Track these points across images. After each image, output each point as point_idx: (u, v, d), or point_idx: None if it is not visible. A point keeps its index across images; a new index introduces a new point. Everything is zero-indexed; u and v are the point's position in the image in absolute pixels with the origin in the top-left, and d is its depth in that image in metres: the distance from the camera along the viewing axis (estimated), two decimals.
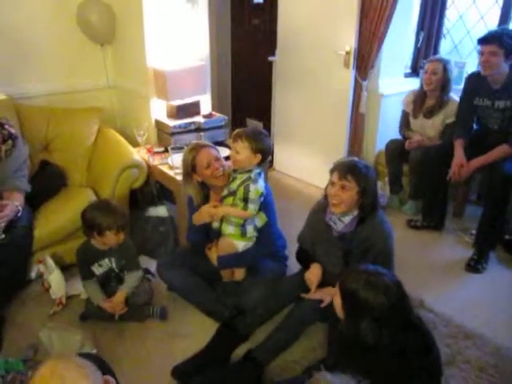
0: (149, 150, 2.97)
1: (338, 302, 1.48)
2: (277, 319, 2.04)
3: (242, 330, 2.07)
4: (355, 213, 1.95)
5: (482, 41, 2.56)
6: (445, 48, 3.88)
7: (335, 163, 2.01)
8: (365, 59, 3.23)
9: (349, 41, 3.16)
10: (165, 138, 3.02)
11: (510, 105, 2.66)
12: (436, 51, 3.85)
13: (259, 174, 2.11)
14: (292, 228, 2.37)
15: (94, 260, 2.17)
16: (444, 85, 2.98)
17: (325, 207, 2.06)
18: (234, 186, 2.11)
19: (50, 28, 3.02)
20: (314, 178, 3.73)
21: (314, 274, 2.03)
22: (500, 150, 2.67)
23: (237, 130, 2.09)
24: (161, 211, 2.85)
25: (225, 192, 2.16)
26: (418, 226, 3.08)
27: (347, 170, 1.88)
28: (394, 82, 3.54)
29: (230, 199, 2.13)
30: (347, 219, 1.97)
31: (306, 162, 3.79)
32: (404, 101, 3.25)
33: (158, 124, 3.06)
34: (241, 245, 2.16)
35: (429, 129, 3.12)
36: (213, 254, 2.23)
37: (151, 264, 2.60)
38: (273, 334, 1.96)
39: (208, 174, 2.13)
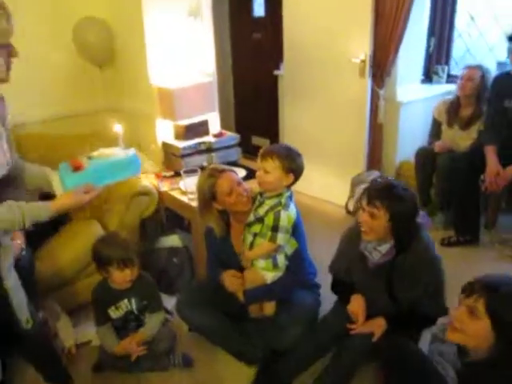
0: (157, 175, 2.74)
1: (480, 330, 1.22)
2: (322, 361, 1.79)
3: (284, 376, 1.81)
4: (393, 241, 1.72)
5: None
6: (457, 52, 3.72)
7: (370, 183, 1.79)
8: (381, 66, 3.05)
9: (363, 48, 2.98)
10: (173, 161, 2.79)
11: None
12: (448, 56, 3.70)
13: (290, 197, 1.87)
14: (312, 250, 2.13)
15: (111, 302, 1.91)
16: (480, 93, 2.81)
17: (358, 234, 1.82)
18: (261, 211, 1.86)
19: (47, 54, 2.81)
20: (330, 194, 3.51)
21: (357, 305, 1.79)
22: None
23: (265, 148, 1.85)
24: (174, 241, 2.60)
25: (251, 218, 1.91)
26: (452, 242, 2.84)
27: (376, 194, 1.65)
28: (412, 89, 3.36)
29: (257, 227, 1.87)
30: (384, 248, 1.74)
31: (320, 178, 3.56)
32: (436, 109, 3.07)
33: (166, 146, 2.83)
34: (270, 276, 1.91)
35: (463, 140, 2.92)
36: (238, 287, 1.98)
37: (168, 301, 2.35)
38: (321, 378, 1.70)
39: (231, 201, 1.90)
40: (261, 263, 1.88)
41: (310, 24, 3.25)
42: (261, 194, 1.91)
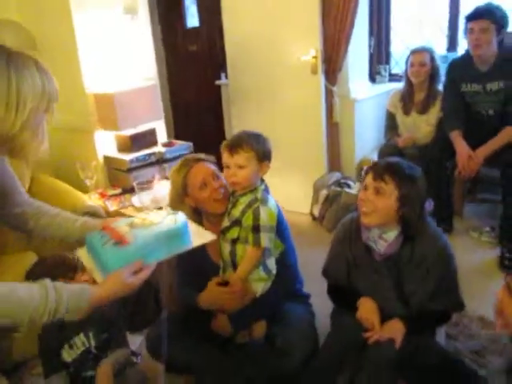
0: (102, 195, 2.35)
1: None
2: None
3: None
4: (400, 228, 1.51)
5: (472, 17, 2.35)
6: (397, 52, 3.74)
7: (371, 164, 1.57)
8: (332, 61, 2.93)
9: (314, 43, 2.84)
10: (119, 176, 2.43)
11: (504, 85, 2.45)
12: (388, 56, 3.70)
13: (266, 190, 1.60)
14: None
15: (63, 341, 1.49)
16: (433, 75, 2.75)
17: (357, 225, 1.60)
18: (236, 213, 1.56)
19: None
20: (293, 203, 3.27)
21: (369, 309, 1.53)
22: (506, 134, 2.43)
23: (229, 141, 1.56)
24: None
25: (225, 223, 1.61)
26: None
27: (386, 168, 1.45)
28: (363, 87, 3.28)
29: (234, 231, 1.57)
30: (391, 236, 1.51)
31: (281, 188, 3.31)
32: (389, 101, 2.97)
33: (109, 161, 2.47)
34: (260, 287, 1.59)
35: (423, 125, 2.84)
36: (221, 321, 1.65)
37: (131, 341, 1.93)
38: None
39: (204, 196, 1.60)
40: (253, 275, 1.57)
41: (252, 28, 3.08)
42: (232, 193, 1.62)
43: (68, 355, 1.50)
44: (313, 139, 3.05)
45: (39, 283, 1.01)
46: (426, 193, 1.52)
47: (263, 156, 1.54)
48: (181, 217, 1.25)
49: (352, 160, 3.24)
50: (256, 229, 1.51)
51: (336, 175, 3.11)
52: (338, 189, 2.96)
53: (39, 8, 2.46)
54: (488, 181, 2.93)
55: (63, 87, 2.54)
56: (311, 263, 1.91)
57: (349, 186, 2.98)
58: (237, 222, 1.56)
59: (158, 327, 1.74)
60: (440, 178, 2.62)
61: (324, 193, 3.03)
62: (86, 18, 2.32)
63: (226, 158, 1.54)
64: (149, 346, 1.71)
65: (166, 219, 1.23)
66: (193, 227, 1.30)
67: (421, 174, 1.49)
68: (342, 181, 3.05)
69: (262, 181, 1.62)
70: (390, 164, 1.48)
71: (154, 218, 1.24)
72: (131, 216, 1.39)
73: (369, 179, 1.48)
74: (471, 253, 2.55)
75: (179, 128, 4.41)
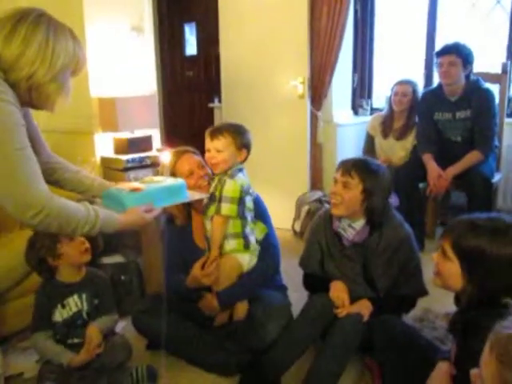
0: None
1: (452, 270, 1.19)
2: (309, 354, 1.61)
3: (271, 373, 1.58)
4: (366, 218, 1.70)
5: (441, 52, 2.66)
6: (378, 88, 4.05)
7: (342, 160, 1.78)
8: (318, 89, 3.20)
9: (302, 71, 3.11)
10: (114, 176, 2.57)
11: (471, 114, 2.73)
12: (370, 91, 4.00)
13: (239, 169, 1.76)
14: None
15: (58, 299, 1.59)
16: (413, 106, 3.01)
17: (330, 216, 1.79)
18: (211, 188, 1.75)
19: None
20: (275, 219, 3.41)
21: (340, 289, 1.68)
22: (472, 157, 2.68)
23: (213, 127, 1.77)
24: (117, 258, 2.32)
25: (204, 201, 1.77)
26: None
27: (353, 164, 1.66)
28: (345, 114, 3.54)
29: (212, 208, 1.73)
30: (358, 225, 1.71)
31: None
32: (370, 124, 3.23)
33: (105, 161, 2.62)
34: (246, 260, 1.74)
35: (398, 150, 3.09)
36: (208, 299, 1.77)
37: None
38: (313, 370, 1.51)
39: (191, 183, 1.76)
40: (231, 244, 1.72)
41: (246, 55, 3.34)
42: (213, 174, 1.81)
43: (59, 314, 1.60)
44: (297, 158, 3.26)
45: (81, 203, 1.26)
46: (389, 188, 1.72)
47: (241, 144, 1.72)
48: (180, 179, 1.58)
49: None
50: (219, 199, 1.68)
51: (318, 193, 3.30)
52: (320, 205, 3.14)
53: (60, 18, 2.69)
54: (457, 206, 3.17)
55: (71, 91, 2.73)
56: (290, 274, 2.03)
57: (329, 203, 3.16)
58: (212, 197, 1.73)
59: (146, 303, 1.86)
60: (412, 198, 2.81)
61: (306, 208, 3.21)
62: (97, 30, 2.56)
63: (207, 142, 1.73)
64: (135, 318, 1.81)
65: (168, 179, 1.56)
66: (188, 190, 1.59)
67: (385, 171, 1.70)
68: (323, 198, 3.23)
69: (241, 167, 1.77)
70: (356, 161, 1.69)
71: (159, 179, 1.55)
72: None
73: (338, 174, 1.68)
74: None
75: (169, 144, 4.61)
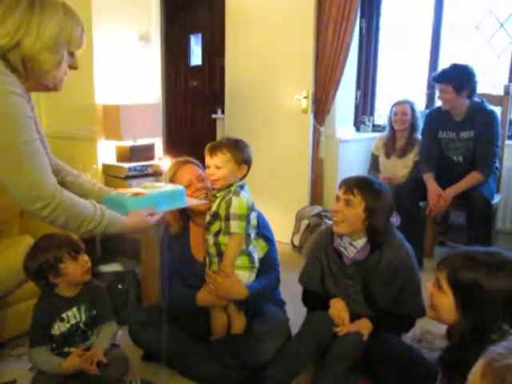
0: None
1: (446, 304, 1.17)
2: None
3: None
4: (367, 236, 1.70)
5: (434, 79, 2.74)
6: (380, 106, 4.08)
7: (345, 178, 1.78)
8: (321, 104, 3.21)
9: (306, 86, 3.13)
10: (116, 184, 2.56)
11: (474, 135, 2.74)
12: (372, 108, 4.03)
13: (241, 186, 1.76)
14: None
15: (57, 313, 1.57)
16: (413, 124, 3.06)
17: (331, 233, 1.78)
18: (214, 206, 1.74)
19: None
20: (276, 233, 3.43)
21: (339, 308, 1.67)
22: (472, 178, 2.69)
23: (212, 143, 1.77)
24: (115, 267, 2.30)
25: (207, 218, 1.77)
26: None
27: (355, 182, 1.66)
28: (347, 130, 3.56)
29: (215, 225, 1.73)
30: (359, 243, 1.70)
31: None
32: (374, 144, 3.28)
33: (107, 169, 2.62)
34: (245, 277, 1.73)
35: (401, 168, 3.12)
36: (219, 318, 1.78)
37: None
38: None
39: (187, 194, 1.74)
40: (238, 260, 1.71)
41: (251, 68, 3.37)
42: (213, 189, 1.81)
43: (58, 329, 1.58)
44: (298, 172, 3.27)
45: (89, 201, 1.28)
46: (391, 207, 1.72)
47: (241, 160, 1.72)
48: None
49: (334, 194, 3.43)
50: (227, 217, 1.68)
51: (317, 208, 3.30)
52: (319, 220, 3.14)
53: None
54: (457, 226, 3.17)
55: (76, 98, 2.73)
56: (288, 287, 2.00)
57: (329, 219, 3.16)
58: (216, 215, 1.72)
59: (142, 313, 1.84)
60: (412, 216, 2.80)
61: (305, 222, 3.20)
62: (104, 38, 2.57)
63: (206, 159, 1.74)
64: (131, 330, 1.79)
65: (168, 185, 1.59)
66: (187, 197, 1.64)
67: (387, 190, 1.70)
68: (323, 213, 3.23)
69: (241, 180, 1.77)
70: (359, 179, 1.69)
71: (160, 185, 1.58)
72: None
73: (341, 192, 1.68)
74: None
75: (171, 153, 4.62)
